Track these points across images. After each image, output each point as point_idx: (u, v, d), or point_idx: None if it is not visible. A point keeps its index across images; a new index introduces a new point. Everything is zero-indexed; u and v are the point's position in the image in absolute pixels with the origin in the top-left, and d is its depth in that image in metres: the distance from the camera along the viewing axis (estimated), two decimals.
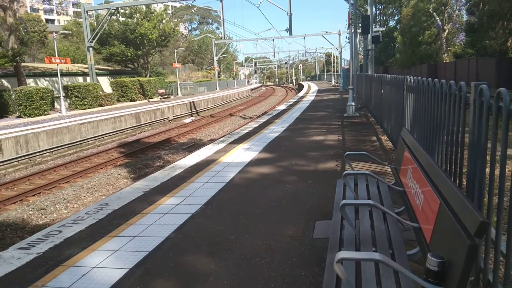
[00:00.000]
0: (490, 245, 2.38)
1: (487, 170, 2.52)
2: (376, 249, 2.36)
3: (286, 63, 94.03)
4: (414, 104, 4.82)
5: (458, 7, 40.66)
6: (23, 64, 25.71)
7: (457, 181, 2.88)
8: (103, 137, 17.36)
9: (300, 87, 50.53)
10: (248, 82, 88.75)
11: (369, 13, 18.69)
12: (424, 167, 2.60)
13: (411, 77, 5.18)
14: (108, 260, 3.40)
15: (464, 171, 2.78)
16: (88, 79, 29.85)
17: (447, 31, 41.17)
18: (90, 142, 16.51)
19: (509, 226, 1.98)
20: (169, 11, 55.68)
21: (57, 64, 22.39)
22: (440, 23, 40.78)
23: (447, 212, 1.87)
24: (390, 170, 4.78)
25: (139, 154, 13.85)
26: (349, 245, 2.45)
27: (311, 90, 34.96)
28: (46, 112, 21.61)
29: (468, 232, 1.59)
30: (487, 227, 1.54)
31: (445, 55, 41.60)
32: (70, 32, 48.89)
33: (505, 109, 2.09)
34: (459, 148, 2.83)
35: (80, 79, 31.59)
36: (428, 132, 3.86)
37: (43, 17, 71.70)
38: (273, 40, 50.19)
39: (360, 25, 16.68)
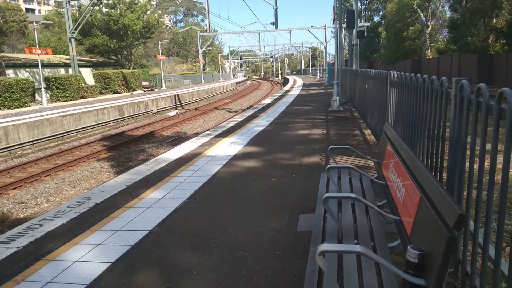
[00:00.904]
0: (469, 237, 2.44)
1: (467, 164, 2.57)
2: (358, 242, 2.39)
3: (271, 56, 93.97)
4: (397, 99, 4.88)
5: (441, 4, 41.22)
6: (1, 54, 25.05)
7: (438, 175, 2.93)
8: (85, 130, 17.10)
9: (286, 81, 50.61)
10: (233, 75, 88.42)
11: (354, 8, 18.79)
12: (406, 161, 2.63)
13: (395, 72, 5.24)
14: (90, 254, 3.36)
15: (445, 165, 2.83)
16: (70, 70, 29.26)
17: (430, 27, 41.72)
18: (72, 134, 16.24)
19: (487, 219, 2.02)
20: (154, 2, 54.93)
21: (38, 55, 21.86)
22: (424, 19, 41.28)
23: (427, 205, 1.90)
24: (373, 164, 4.84)
25: (123, 147, 13.70)
26: (332, 238, 2.48)
27: (296, 84, 35.04)
28: (26, 104, 21.15)
29: (447, 225, 1.62)
30: (465, 220, 1.57)
31: (429, 50, 42.18)
32: (52, 22, 47.77)
33: (485, 105, 2.13)
34: (440, 143, 2.88)
35: (62, 71, 30.94)
36: (410, 126, 3.92)
37: (23, 6, 69.80)
38: (259, 33, 49.94)
39: (345, 19, 16.76)
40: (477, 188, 2.20)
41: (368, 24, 50.37)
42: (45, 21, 40.15)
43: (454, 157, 2.57)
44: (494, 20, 29.98)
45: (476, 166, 2.27)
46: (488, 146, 2.06)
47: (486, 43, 30.68)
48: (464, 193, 2.46)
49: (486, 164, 2.15)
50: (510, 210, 4.31)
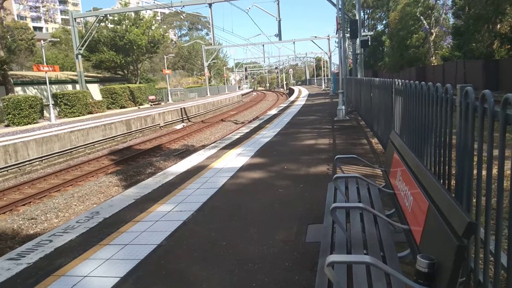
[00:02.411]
0: (480, 246, 2.41)
1: (475, 171, 2.55)
2: (367, 252, 2.37)
3: (276, 68, 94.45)
4: (403, 106, 4.87)
5: (444, 11, 41.32)
6: (10, 72, 25.46)
7: (446, 182, 2.91)
8: (93, 145, 17.24)
9: (291, 91, 50.75)
10: (239, 87, 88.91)
11: (357, 17, 18.87)
12: (413, 169, 2.62)
13: (399, 80, 5.24)
14: (99, 269, 3.36)
15: (453, 172, 2.81)
16: (78, 86, 29.67)
17: (434, 34, 41.76)
18: (81, 150, 16.37)
19: (497, 226, 2.00)
20: (158, 18, 55.66)
21: (46, 72, 22.21)
22: (427, 26, 41.35)
23: (435, 213, 1.89)
24: (381, 172, 4.81)
25: (130, 161, 13.77)
26: (340, 248, 2.46)
27: (301, 95, 35.13)
28: (35, 121, 21.41)
29: (456, 233, 1.61)
30: (475, 228, 1.56)
31: (433, 58, 42.16)
32: (59, 39, 48.55)
33: (490, 111, 2.13)
34: (447, 150, 2.87)
35: (69, 87, 31.36)
36: (417, 134, 3.90)
37: (31, 24, 71.14)
38: (263, 45, 50.48)
39: (348, 29, 16.84)
40: (486, 194, 2.18)
41: (372, 33, 50.62)
42: (52, 39, 40.75)
43: (461, 164, 2.56)
44: (498, 26, 29.94)
45: (484, 172, 2.26)
46: (496, 152, 2.05)
47: (490, 49, 30.60)
48: (474, 200, 2.44)
49: (495, 170, 2.13)
50: None
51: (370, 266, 2.10)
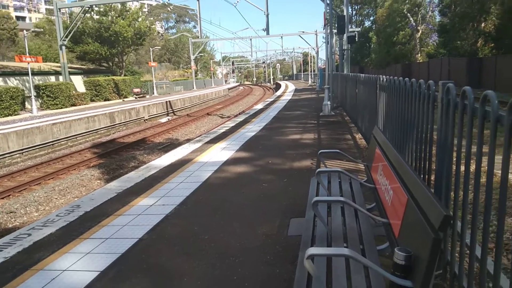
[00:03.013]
0: (457, 239, 2.45)
1: (455, 166, 2.59)
2: (347, 245, 2.39)
3: (263, 62, 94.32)
4: (387, 102, 4.91)
5: (431, 8, 41.78)
6: None
7: (426, 177, 2.95)
8: (76, 138, 16.97)
9: (278, 86, 50.79)
10: (225, 81, 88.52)
11: (344, 13, 18.94)
12: (394, 164, 2.65)
13: (384, 76, 5.27)
14: (79, 263, 3.32)
15: (434, 168, 2.84)
16: (61, 78, 29.09)
17: (420, 31, 42.21)
18: (63, 142, 16.10)
19: (473, 220, 2.04)
20: (145, 9, 54.93)
21: (28, 63, 21.72)
22: (414, 23, 41.78)
23: (414, 207, 1.91)
24: (364, 167, 4.85)
25: (113, 155, 13.61)
26: (321, 241, 2.48)
27: (288, 90, 35.18)
28: (16, 112, 20.95)
29: (433, 226, 1.63)
30: (451, 221, 1.58)
31: (419, 55, 42.65)
32: (42, 30, 47.58)
33: (470, 107, 2.15)
34: (428, 146, 2.90)
35: (52, 78, 30.74)
36: (400, 130, 3.94)
37: (14, 14, 69.47)
38: (251, 39, 50.29)
39: (336, 25, 16.88)
40: (464, 189, 2.21)
41: (359, 29, 50.88)
42: (36, 29, 39.92)
43: (441, 160, 2.59)
44: (483, 25, 30.41)
45: (463, 167, 2.29)
46: (474, 148, 2.08)
47: (475, 47, 31.10)
48: (452, 194, 2.47)
49: (473, 166, 2.16)
50: (496, 210, 4.34)
51: (349, 259, 2.11)
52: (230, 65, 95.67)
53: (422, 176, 2.99)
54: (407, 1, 41.93)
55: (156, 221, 4.18)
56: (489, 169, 1.86)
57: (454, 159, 2.56)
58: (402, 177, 2.34)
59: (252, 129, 10.89)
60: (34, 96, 22.34)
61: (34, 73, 27.54)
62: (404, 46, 43.87)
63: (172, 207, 4.62)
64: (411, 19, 41.83)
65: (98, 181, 10.10)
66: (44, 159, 13.33)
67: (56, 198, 8.81)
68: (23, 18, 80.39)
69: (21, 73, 27.35)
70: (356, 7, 62.65)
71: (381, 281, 1.92)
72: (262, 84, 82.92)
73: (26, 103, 23.61)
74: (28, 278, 3.11)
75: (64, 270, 3.20)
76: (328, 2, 15.45)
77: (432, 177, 2.84)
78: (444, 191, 2.53)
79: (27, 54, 22.95)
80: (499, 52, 26.37)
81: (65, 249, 3.63)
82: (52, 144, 15.49)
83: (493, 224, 2.88)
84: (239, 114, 21.46)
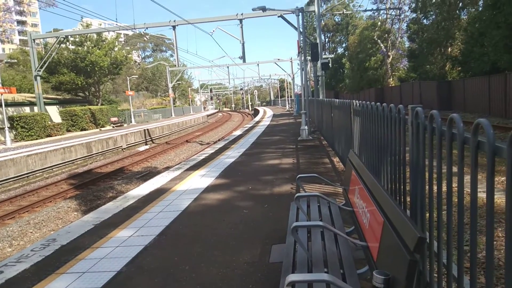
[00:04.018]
0: (434, 259, 2.49)
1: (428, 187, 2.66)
2: (328, 270, 2.40)
3: (241, 89, 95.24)
4: (361, 126, 5.04)
5: (400, 35, 43.50)
6: None
7: (402, 199, 3.02)
8: (51, 169, 16.56)
9: (256, 112, 51.21)
10: (204, 108, 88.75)
11: (318, 41, 19.51)
12: (369, 186, 2.71)
13: (357, 101, 5.43)
14: None
15: (408, 189, 2.91)
16: (36, 108, 28.59)
17: (391, 57, 43.75)
18: (38, 174, 15.67)
19: (448, 240, 2.09)
20: (121, 39, 55.14)
21: (1, 94, 21.31)
22: (384, 49, 43.32)
23: (389, 230, 1.95)
24: (342, 190, 4.91)
25: (91, 185, 13.31)
26: (302, 267, 2.48)
27: (266, 115, 35.52)
28: None
29: (408, 248, 1.67)
30: (425, 243, 1.62)
31: (391, 79, 44.03)
32: (16, 60, 46.97)
33: (438, 129, 2.25)
34: (402, 168, 2.98)
35: (27, 109, 30.17)
36: (374, 152, 4.04)
37: None
38: (228, 67, 50.89)
39: (310, 52, 17.34)
40: (437, 210, 2.28)
41: (332, 55, 52.44)
42: (9, 60, 39.33)
43: (415, 181, 2.66)
44: (449, 49, 31.80)
45: (435, 188, 2.36)
46: (445, 169, 2.16)
47: (443, 70, 32.36)
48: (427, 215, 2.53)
49: (444, 186, 2.23)
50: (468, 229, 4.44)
51: (330, 285, 2.12)
52: (208, 92, 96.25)
53: (398, 198, 3.06)
54: (377, 28, 43.62)
55: (135, 253, 4.09)
56: (459, 189, 1.93)
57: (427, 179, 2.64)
58: (378, 200, 2.39)
59: (231, 155, 10.90)
60: (8, 127, 21.83)
61: (8, 104, 27.00)
62: (376, 71, 45.27)
63: (151, 237, 4.54)
64: (381, 45, 43.40)
65: (75, 213, 9.83)
66: (19, 192, 12.91)
67: (31, 232, 8.50)
68: None
69: None
70: (328, 35, 64.68)
71: None
72: (241, 110, 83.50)
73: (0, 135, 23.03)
74: None
75: None
76: (301, 30, 15.91)
77: (408, 198, 2.91)
78: (420, 212, 2.59)
79: (0, 85, 22.54)
80: (466, 75, 27.52)
81: (40, 285, 3.49)
82: (27, 176, 15.06)
83: (467, 243, 2.95)
84: (219, 140, 21.48)
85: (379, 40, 43.35)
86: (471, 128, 1.82)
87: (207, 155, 11.48)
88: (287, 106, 50.66)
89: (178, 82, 65.03)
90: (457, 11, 30.50)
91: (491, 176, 1.68)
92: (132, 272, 3.64)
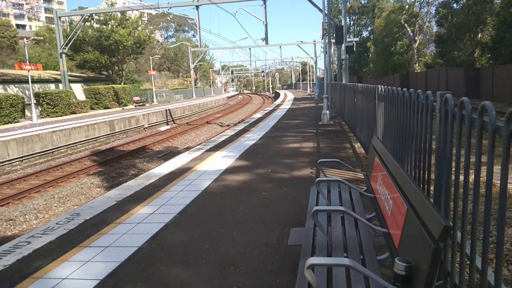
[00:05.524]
0: (456, 249, 2.46)
1: (454, 176, 2.60)
2: (348, 255, 2.40)
3: (262, 71, 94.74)
4: (385, 112, 4.95)
5: (428, 19, 42.14)
6: None
7: (425, 187, 2.97)
8: (75, 145, 16.97)
9: (277, 95, 50.95)
10: (225, 90, 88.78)
11: (342, 23, 19.08)
12: (393, 173, 2.67)
13: (382, 86, 5.32)
14: (78, 271, 3.31)
15: (433, 177, 2.86)
16: (61, 86, 29.19)
17: (418, 41, 42.52)
18: (62, 150, 16.10)
19: (473, 231, 2.05)
20: (145, 18, 55.29)
21: (28, 71, 21.82)
22: (411, 34, 42.09)
23: (413, 217, 1.92)
24: (363, 176, 4.87)
25: (113, 163, 13.60)
26: (321, 251, 2.48)
27: (287, 99, 35.30)
28: (16, 120, 20.97)
29: (432, 236, 1.65)
30: (450, 232, 1.60)
31: (417, 65, 42.90)
32: (42, 38, 47.79)
33: (468, 118, 2.18)
34: (427, 155, 2.92)
35: (52, 86, 30.83)
36: (398, 139, 3.97)
37: (14, 22, 69.87)
38: (250, 48, 50.56)
39: (334, 35, 17.01)
40: (463, 199, 2.23)
41: (357, 39, 51.17)
42: (36, 37, 40.05)
43: (440, 170, 2.61)
44: (479, 35, 30.67)
45: (462, 177, 2.31)
46: (473, 158, 2.10)
47: (472, 57, 31.32)
48: (452, 204, 2.49)
49: (473, 176, 2.18)
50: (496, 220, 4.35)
51: (349, 269, 2.12)
52: (229, 74, 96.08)
53: (421, 185, 3.01)
54: (404, 12, 42.33)
55: (156, 230, 4.18)
56: (488, 179, 1.87)
57: (453, 169, 2.59)
58: (402, 187, 2.35)
59: (251, 138, 10.92)
60: (34, 103, 22.39)
61: (34, 81, 27.64)
62: (401, 56, 44.16)
63: (172, 215, 4.62)
64: (408, 29, 42.17)
65: (98, 189, 10.09)
66: (44, 167, 13.32)
67: (55, 206, 8.79)
68: (23, 26, 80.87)
69: (21, 80, 27.45)
70: (354, 17, 63.21)
71: None
72: (261, 93, 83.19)
73: (26, 110, 23.63)
74: (28, 287, 3.10)
75: (63, 279, 3.20)
76: (326, 12, 15.58)
77: (432, 187, 2.86)
78: (444, 201, 2.55)
79: (27, 62, 23.05)
80: (496, 62, 26.56)
81: (65, 257, 3.62)
82: (52, 152, 15.48)
83: (493, 234, 2.90)
84: (239, 122, 21.50)
85: (406, 24, 42.10)
86: (504, 118, 1.76)
87: (227, 136, 11.53)
88: (308, 90, 50.18)
89: (200, 63, 65.07)
90: None
91: None
92: (153, 248, 3.73)
